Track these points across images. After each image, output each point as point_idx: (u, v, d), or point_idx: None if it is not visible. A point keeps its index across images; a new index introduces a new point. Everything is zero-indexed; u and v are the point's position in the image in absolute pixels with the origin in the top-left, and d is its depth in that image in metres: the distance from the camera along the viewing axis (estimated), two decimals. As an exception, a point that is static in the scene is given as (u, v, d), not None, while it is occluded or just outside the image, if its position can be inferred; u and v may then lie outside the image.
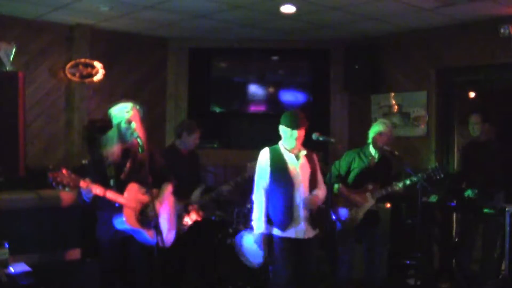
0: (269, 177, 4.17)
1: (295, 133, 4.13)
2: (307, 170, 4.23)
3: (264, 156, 4.24)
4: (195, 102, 7.60)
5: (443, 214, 6.08)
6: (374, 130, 4.99)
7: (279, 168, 4.17)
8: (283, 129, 4.21)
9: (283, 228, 4.11)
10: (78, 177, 3.71)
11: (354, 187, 4.91)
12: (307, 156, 4.27)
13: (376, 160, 4.98)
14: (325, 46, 7.52)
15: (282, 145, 4.26)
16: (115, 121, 4.02)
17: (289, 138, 4.18)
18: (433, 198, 5.50)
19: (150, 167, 4.02)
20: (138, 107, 4.09)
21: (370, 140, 5.03)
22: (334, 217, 4.83)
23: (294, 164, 4.19)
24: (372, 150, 5.02)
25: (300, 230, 4.13)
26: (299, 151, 4.25)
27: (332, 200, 4.70)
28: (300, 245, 4.14)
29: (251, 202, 4.36)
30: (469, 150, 5.83)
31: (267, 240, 4.14)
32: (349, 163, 5.00)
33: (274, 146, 4.28)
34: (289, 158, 4.21)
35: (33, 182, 5.61)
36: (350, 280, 4.85)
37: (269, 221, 4.14)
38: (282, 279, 4.09)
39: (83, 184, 3.71)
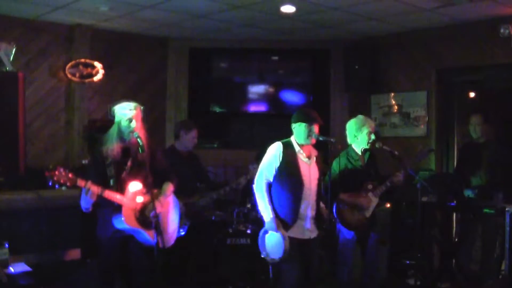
0: (277, 174, 4.11)
1: (314, 128, 4.11)
2: (317, 171, 4.22)
3: (276, 150, 4.13)
4: (195, 102, 7.60)
5: (443, 214, 6.07)
6: (365, 131, 4.80)
7: (290, 166, 4.11)
8: (299, 125, 4.15)
9: (287, 228, 4.08)
10: (75, 176, 3.71)
11: (353, 190, 4.86)
12: (316, 156, 4.27)
13: (366, 160, 4.93)
14: (325, 46, 7.52)
15: (295, 143, 4.20)
16: (116, 119, 4.02)
17: (306, 134, 4.12)
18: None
19: (151, 167, 4.02)
20: (141, 107, 4.10)
21: (354, 141, 4.86)
22: (339, 228, 4.79)
23: (307, 164, 4.16)
24: (357, 150, 4.89)
25: (306, 230, 4.13)
26: (311, 151, 4.22)
27: (338, 211, 4.69)
28: (304, 244, 4.14)
29: (251, 202, 4.32)
30: (469, 150, 5.83)
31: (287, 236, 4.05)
32: (343, 170, 4.79)
33: (286, 142, 4.20)
34: (302, 157, 4.16)
35: (33, 182, 5.62)
36: (350, 281, 4.84)
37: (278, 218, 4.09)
38: (292, 279, 4.07)
39: (80, 183, 3.71)
